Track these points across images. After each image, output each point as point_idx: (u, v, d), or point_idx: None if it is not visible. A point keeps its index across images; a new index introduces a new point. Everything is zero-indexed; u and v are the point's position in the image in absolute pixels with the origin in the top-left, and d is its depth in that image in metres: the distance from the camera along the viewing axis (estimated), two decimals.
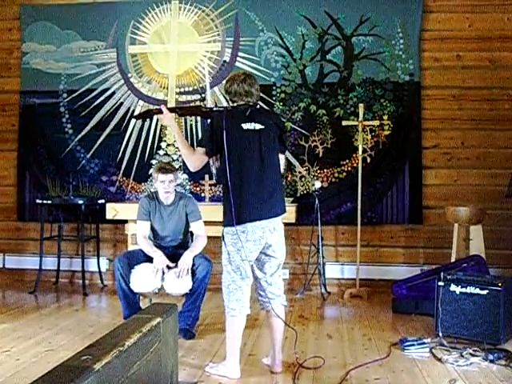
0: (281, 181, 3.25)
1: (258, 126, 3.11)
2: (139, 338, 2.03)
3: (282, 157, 3.30)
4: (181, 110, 3.45)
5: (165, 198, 4.05)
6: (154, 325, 2.24)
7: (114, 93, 5.84)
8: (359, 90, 5.54)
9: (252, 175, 3.05)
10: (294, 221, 5.08)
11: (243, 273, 3.10)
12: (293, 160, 5.53)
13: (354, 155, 5.45)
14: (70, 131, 5.87)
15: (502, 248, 5.28)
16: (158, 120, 5.71)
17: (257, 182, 3.05)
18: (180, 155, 5.60)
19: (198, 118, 5.68)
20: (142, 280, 3.79)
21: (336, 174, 5.54)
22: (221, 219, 4.70)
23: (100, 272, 5.68)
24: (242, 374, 3.13)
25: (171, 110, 3.32)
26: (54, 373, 1.58)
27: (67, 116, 5.88)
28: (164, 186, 3.99)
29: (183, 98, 5.75)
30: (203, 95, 5.68)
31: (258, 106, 3.24)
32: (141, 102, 5.80)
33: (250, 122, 3.10)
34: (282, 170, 3.31)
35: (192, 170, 3.21)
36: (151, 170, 4.20)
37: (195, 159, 3.15)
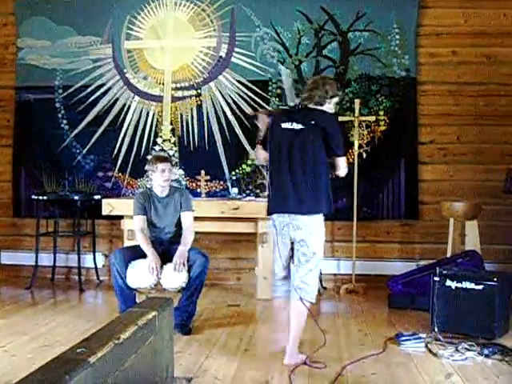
0: (315, 182, 3.19)
1: (298, 126, 3.23)
2: (134, 332, 2.03)
3: (338, 159, 3.28)
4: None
5: (161, 188, 4.08)
6: (150, 318, 2.24)
7: (109, 88, 5.81)
8: (355, 85, 5.54)
9: (280, 171, 3.24)
10: None
11: (277, 259, 3.33)
12: None
13: (350, 151, 5.43)
14: (66, 127, 5.84)
15: (498, 243, 5.29)
16: (153, 115, 5.74)
17: (282, 178, 3.22)
18: (176, 151, 5.62)
19: (194, 114, 5.70)
20: (139, 276, 3.79)
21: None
22: (216, 215, 4.78)
23: (96, 268, 5.66)
24: (237, 369, 3.14)
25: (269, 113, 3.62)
26: (49, 366, 1.58)
27: (63, 112, 5.85)
28: (164, 174, 4.03)
29: (179, 93, 5.74)
30: (199, 91, 5.70)
31: (311, 106, 3.31)
32: (137, 98, 5.79)
33: (289, 121, 3.25)
34: (341, 172, 3.32)
35: (256, 163, 3.77)
36: (146, 166, 4.19)
37: (257, 154, 3.59)
